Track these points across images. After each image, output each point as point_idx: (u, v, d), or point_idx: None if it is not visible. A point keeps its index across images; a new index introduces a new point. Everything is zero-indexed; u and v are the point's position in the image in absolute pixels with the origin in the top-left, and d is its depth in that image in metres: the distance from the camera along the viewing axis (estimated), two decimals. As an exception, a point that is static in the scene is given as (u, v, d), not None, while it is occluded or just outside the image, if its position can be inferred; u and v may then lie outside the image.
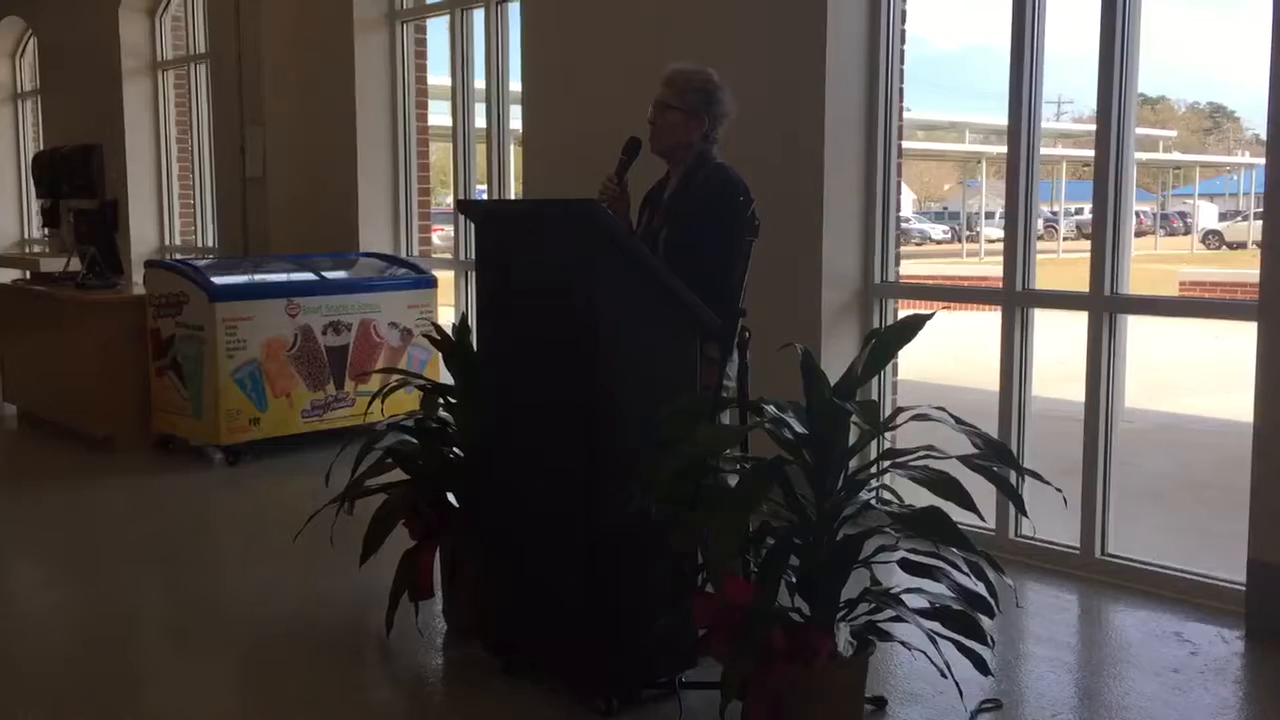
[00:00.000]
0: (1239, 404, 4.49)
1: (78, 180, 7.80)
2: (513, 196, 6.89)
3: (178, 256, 8.92)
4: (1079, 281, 4.51)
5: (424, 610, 3.80)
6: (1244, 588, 3.87)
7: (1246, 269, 15.34)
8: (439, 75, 7.69)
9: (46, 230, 9.54)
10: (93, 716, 3.32)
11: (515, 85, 6.58)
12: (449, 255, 7.61)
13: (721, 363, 3.30)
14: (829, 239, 4.89)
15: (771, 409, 2.94)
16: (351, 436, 3.94)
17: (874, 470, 3.10)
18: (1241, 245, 27.23)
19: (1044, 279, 4.71)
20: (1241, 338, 4.30)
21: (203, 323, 6.09)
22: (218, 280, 6.22)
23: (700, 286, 3.22)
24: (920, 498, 2.84)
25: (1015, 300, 4.60)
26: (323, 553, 3.94)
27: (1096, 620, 4.11)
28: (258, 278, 6.52)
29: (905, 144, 5.20)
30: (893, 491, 3.03)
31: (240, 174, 8.05)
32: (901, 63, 4.99)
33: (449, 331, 4.03)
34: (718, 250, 3.39)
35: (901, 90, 5.02)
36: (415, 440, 3.84)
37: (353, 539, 3.71)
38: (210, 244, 9.15)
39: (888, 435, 4.14)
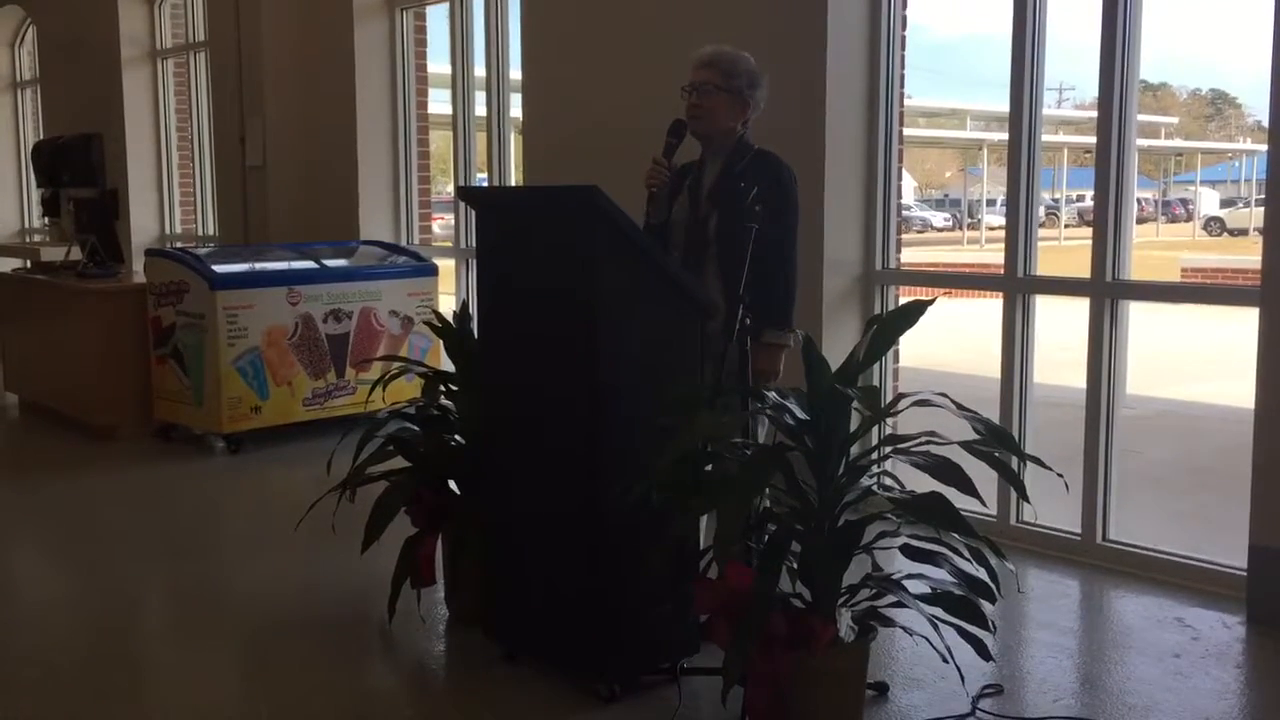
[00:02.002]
0: (1241, 390, 4.49)
1: (78, 169, 7.76)
2: (513, 184, 6.88)
3: (178, 245, 8.91)
4: (1080, 268, 4.50)
5: (426, 597, 3.80)
6: (1245, 573, 3.87)
7: (1248, 255, 15.34)
8: (439, 63, 7.67)
9: (47, 219, 9.50)
10: (95, 705, 3.33)
11: (515, 73, 6.57)
12: (449, 243, 7.61)
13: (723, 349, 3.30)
14: (830, 226, 4.88)
15: (773, 395, 2.94)
16: (353, 424, 3.93)
17: (875, 456, 3.11)
18: (1243, 232, 27.19)
19: (1045, 266, 4.71)
20: (1243, 324, 4.30)
21: (204, 311, 6.09)
22: (218, 268, 6.21)
23: (762, 271, 3.23)
24: (922, 483, 2.84)
25: (1017, 287, 4.59)
26: (325, 540, 3.95)
27: (1098, 605, 4.12)
28: (258, 266, 6.52)
29: (906, 131, 5.19)
30: (894, 477, 3.03)
31: (240, 162, 8.04)
32: (902, 49, 4.98)
33: (450, 319, 4.03)
34: (780, 237, 3.44)
35: (903, 77, 5.01)
36: (416, 428, 3.85)
37: (354, 527, 3.72)
38: (211, 232, 9.14)
39: (889, 421, 4.14)
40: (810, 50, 4.82)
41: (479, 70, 6.93)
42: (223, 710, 3.32)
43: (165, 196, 9.52)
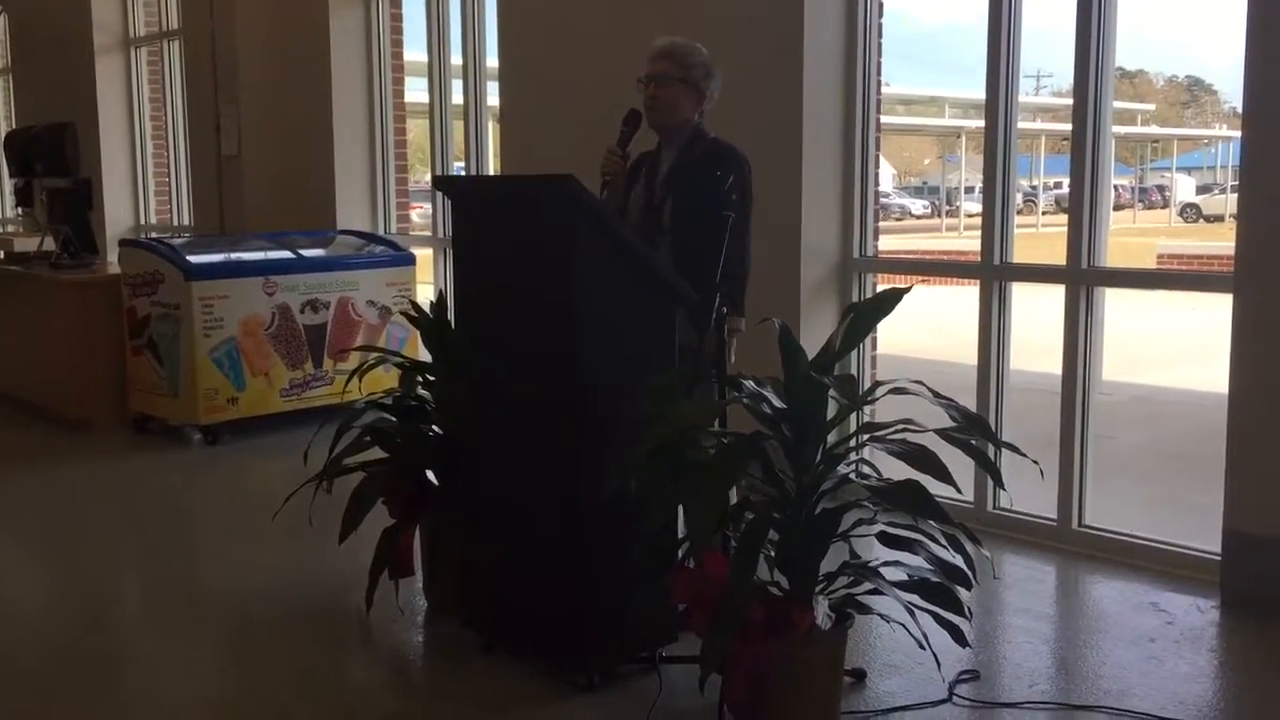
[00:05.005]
0: (1216, 375, 4.52)
1: (51, 159, 7.68)
2: (491, 173, 6.86)
3: (153, 235, 8.85)
4: (1057, 255, 4.52)
5: (404, 588, 3.80)
6: (1219, 557, 3.90)
7: (1224, 241, 15.43)
8: (415, 51, 7.63)
9: (20, 210, 9.43)
10: (72, 698, 3.31)
11: (492, 61, 6.54)
12: (427, 232, 7.58)
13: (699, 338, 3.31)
14: (808, 214, 4.88)
15: (750, 384, 2.94)
16: (330, 415, 3.92)
17: (852, 444, 3.11)
18: (1219, 218, 27.36)
19: (1023, 253, 4.72)
20: (1218, 309, 4.32)
21: (179, 301, 6.05)
22: (194, 259, 6.17)
23: (713, 261, 3.22)
24: (898, 471, 2.84)
25: (993, 274, 4.61)
26: (302, 532, 3.93)
27: (1073, 591, 4.14)
28: (234, 256, 6.48)
29: (885, 119, 5.20)
30: (871, 465, 3.03)
31: (216, 152, 7.99)
32: (880, 37, 4.98)
33: (427, 309, 4.01)
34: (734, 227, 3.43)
35: (880, 65, 5.01)
36: (394, 418, 3.83)
37: (332, 518, 3.70)
38: (186, 222, 9.08)
39: (866, 409, 4.15)
40: (787, 38, 4.81)
41: (456, 58, 6.90)
42: (199, 703, 3.31)
43: (140, 186, 9.45)
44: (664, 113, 3.61)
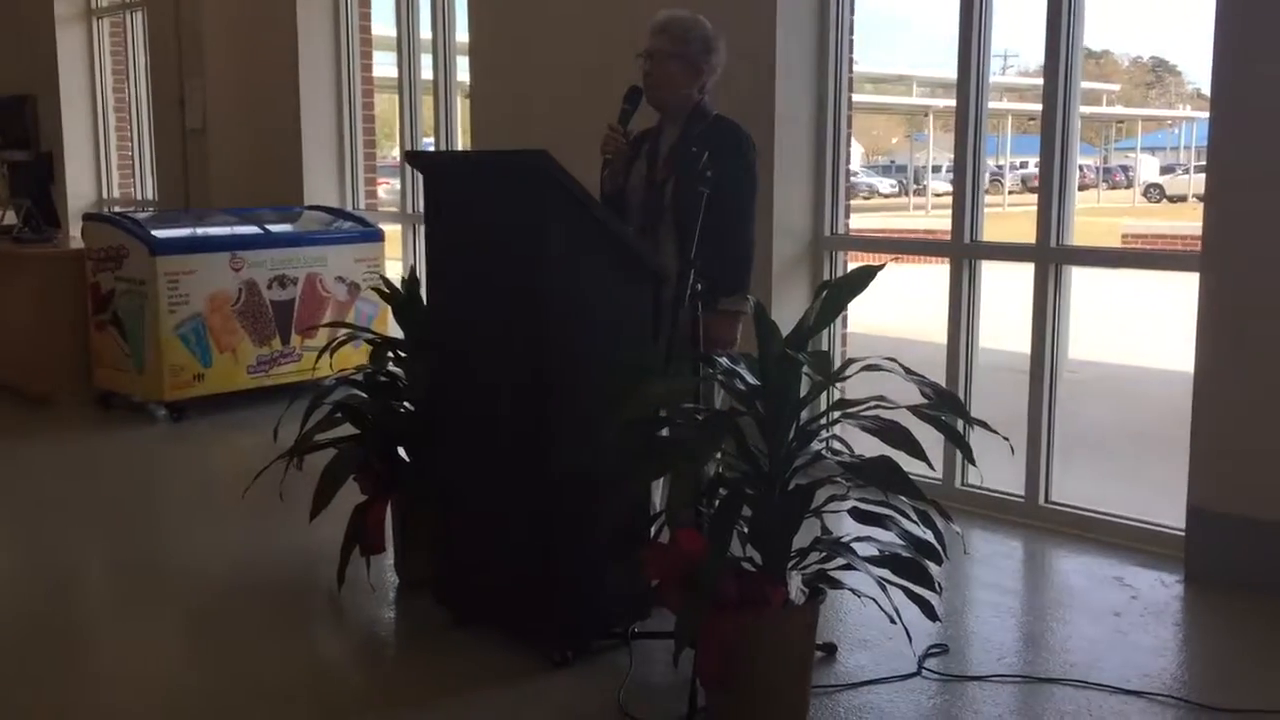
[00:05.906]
0: (1181, 354, 4.56)
1: (12, 131, 7.61)
2: (460, 149, 6.81)
3: (116, 209, 8.74)
4: (1023, 234, 4.55)
5: (375, 565, 3.78)
6: (1183, 533, 3.96)
7: (1187, 221, 15.60)
8: (383, 25, 7.55)
9: (-21, 183, 9.29)
10: (37, 677, 3.28)
11: (462, 35, 6.49)
12: (395, 208, 7.53)
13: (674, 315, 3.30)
14: (780, 191, 4.88)
15: (724, 361, 2.95)
16: (299, 392, 3.89)
17: (825, 421, 3.12)
18: (1182, 198, 27.62)
19: (990, 232, 4.75)
20: (1182, 290, 4.36)
21: (144, 277, 5.98)
22: (159, 233, 6.10)
23: (719, 238, 3.21)
24: (871, 447, 2.86)
25: (963, 253, 4.63)
26: (272, 509, 3.91)
27: (1041, 566, 4.19)
28: (200, 231, 6.41)
29: (854, 97, 5.20)
30: (843, 441, 3.05)
31: (180, 125, 7.89)
32: (852, 14, 4.97)
33: (398, 285, 3.99)
34: (739, 204, 3.45)
35: (852, 42, 5.00)
36: (365, 394, 3.81)
37: (302, 495, 3.68)
38: (150, 197, 8.97)
39: (839, 386, 4.17)
40: (760, 16, 4.80)
41: (424, 32, 6.83)
42: (166, 681, 3.29)
43: (102, 160, 9.32)
44: (661, 90, 3.57)
